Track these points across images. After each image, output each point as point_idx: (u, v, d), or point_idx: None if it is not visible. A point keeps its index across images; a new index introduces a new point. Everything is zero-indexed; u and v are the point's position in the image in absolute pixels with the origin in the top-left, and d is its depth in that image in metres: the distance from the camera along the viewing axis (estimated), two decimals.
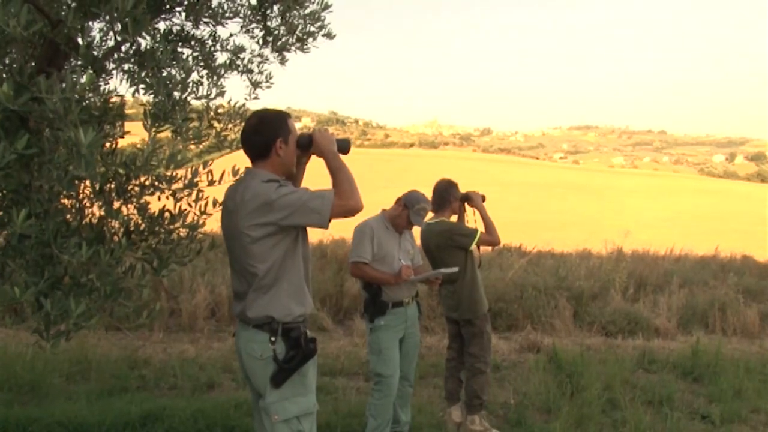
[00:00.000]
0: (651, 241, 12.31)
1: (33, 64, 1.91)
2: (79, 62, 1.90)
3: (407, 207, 3.34)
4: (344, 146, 2.18)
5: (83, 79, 1.53)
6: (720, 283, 8.27)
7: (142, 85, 1.98)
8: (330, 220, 1.98)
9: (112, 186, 2.19)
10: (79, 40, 1.85)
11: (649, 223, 29.44)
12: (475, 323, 3.72)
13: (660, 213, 37.03)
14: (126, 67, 2.15)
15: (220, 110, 2.78)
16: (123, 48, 2.19)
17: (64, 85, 1.52)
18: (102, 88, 2.10)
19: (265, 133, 2.07)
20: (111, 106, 2.07)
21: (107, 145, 2.28)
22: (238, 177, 2.29)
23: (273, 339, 2.01)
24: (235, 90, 2.76)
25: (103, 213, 2.17)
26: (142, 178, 2.19)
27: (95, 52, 2.11)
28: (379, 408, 3.25)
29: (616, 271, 7.70)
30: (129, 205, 2.27)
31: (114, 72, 2.21)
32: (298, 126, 2.26)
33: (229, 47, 2.70)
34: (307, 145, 2.16)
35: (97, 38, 2.18)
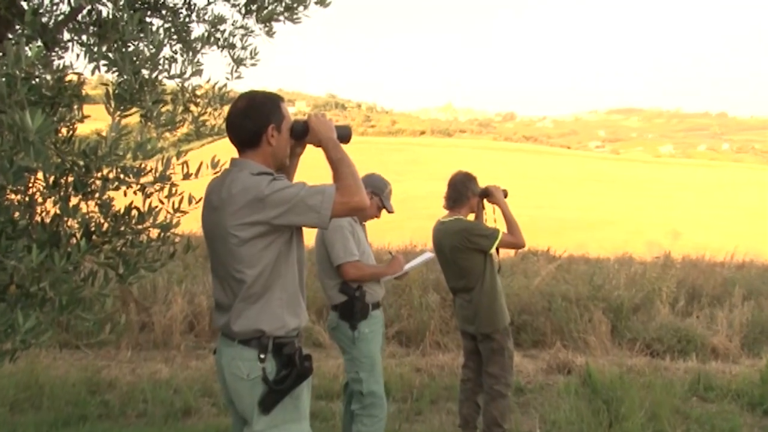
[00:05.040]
0: (706, 245, 12.26)
1: None
2: (25, 32, 1.88)
3: (376, 194, 3.44)
4: (344, 134, 2.19)
5: (30, 53, 1.51)
6: None
7: (103, 61, 1.97)
8: (330, 220, 1.98)
9: (69, 179, 2.18)
10: (24, 5, 1.83)
11: (704, 223, 29.30)
12: (494, 338, 3.70)
13: (718, 211, 36.83)
14: (84, 38, 2.13)
15: (198, 92, 2.77)
16: (79, 16, 2.17)
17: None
18: (55, 63, 2.09)
19: (255, 118, 2.06)
20: (66, 86, 2.06)
21: (63, 131, 2.27)
22: (218, 170, 2.28)
23: (263, 356, 2.00)
24: (215, 68, 2.76)
25: (58, 210, 2.17)
26: (105, 170, 2.18)
27: (45, 20, 2.09)
28: None
29: (662, 279, 7.64)
30: (89, 202, 2.26)
31: (69, 45, 2.20)
32: (292, 111, 2.25)
33: (206, 17, 2.68)
34: (303, 133, 2.15)
35: (47, 3, 2.16)
